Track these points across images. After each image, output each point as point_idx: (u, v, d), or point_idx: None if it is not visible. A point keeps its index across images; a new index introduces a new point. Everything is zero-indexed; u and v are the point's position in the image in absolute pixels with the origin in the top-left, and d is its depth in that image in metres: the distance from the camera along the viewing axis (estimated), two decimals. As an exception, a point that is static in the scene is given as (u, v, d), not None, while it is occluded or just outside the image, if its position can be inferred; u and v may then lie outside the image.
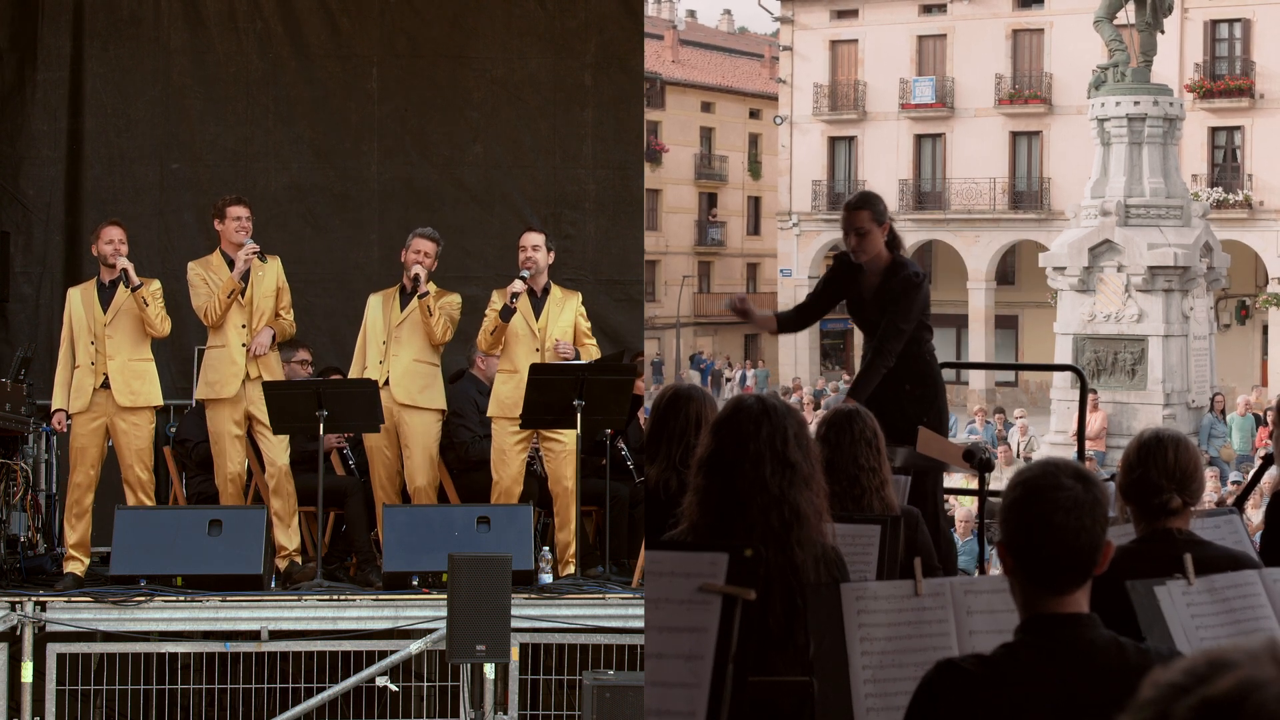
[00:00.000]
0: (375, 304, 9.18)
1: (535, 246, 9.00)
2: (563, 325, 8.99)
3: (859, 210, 6.89)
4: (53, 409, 8.91)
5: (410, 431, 8.95)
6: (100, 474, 8.84)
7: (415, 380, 8.98)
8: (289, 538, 8.87)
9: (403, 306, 9.07)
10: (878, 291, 6.88)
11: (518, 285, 8.83)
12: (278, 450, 8.86)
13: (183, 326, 9.92)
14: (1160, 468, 4.03)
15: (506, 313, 8.85)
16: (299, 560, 8.87)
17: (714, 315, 45.66)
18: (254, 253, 8.81)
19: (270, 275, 8.97)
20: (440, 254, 9.15)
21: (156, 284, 8.95)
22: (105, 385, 8.73)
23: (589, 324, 9.18)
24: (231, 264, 8.88)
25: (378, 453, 9.04)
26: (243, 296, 8.87)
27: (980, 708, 2.69)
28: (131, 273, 8.71)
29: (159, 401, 8.94)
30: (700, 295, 46.04)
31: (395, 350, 9.01)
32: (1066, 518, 2.74)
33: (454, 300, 9.13)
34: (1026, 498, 2.78)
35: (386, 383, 8.97)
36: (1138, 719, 1.44)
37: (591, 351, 9.07)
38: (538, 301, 9.01)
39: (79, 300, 8.87)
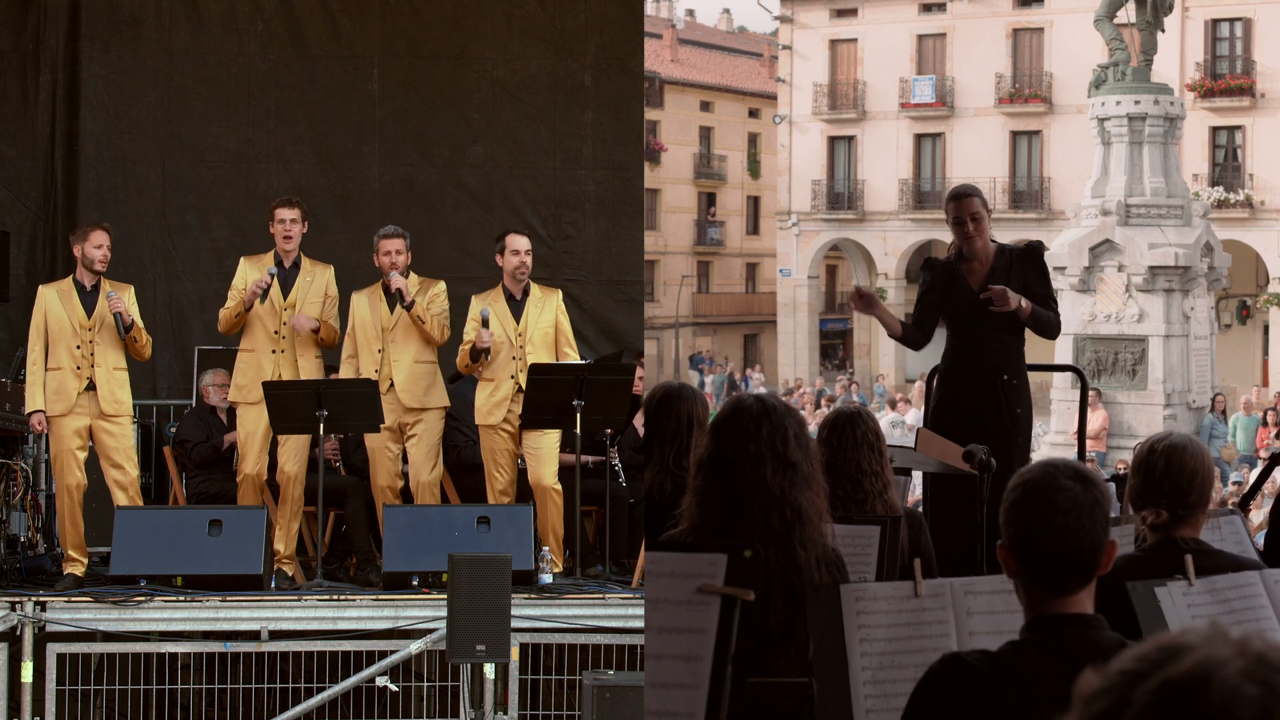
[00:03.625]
0: (362, 304, 9.08)
1: (527, 250, 8.98)
2: (544, 325, 8.95)
3: (969, 198, 6.90)
4: (29, 410, 8.73)
5: (418, 431, 8.95)
6: (93, 474, 8.82)
7: (419, 382, 8.97)
8: (284, 542, 8.87)
9: (391, 309, 9.03)
10: (993, 278, 6.78)
11: (484, 337, 8.74)
12: (291, 457, 8.86)
13: (184, 327, 9.93)
14: (1149, 481, 3.98)
15: (475, 353, 8.82)
16: (288, 570, 8.85)
17: (713, 315, 45.65)
18: (265, 285, 8.74)
19: (319, 282, 8.96)
20: (410, 245, 9.05)
21: (130, 290, 8.86)
22: (90, 388, 8.67)
23: (570, 327, 9.10)
24: (280, 263, 8.89)
25: (380, 454, 9.01)
26: (285, 299, 8.84)
27: (983, 703, 2.70)
28: (125, 315, 8.62)
29: (131, 410, 8.92)
30: (699, 295, 46.00)
31: (395, 355, 8.97)
32: (1066, 519, 2.74)
33: (440, 290, 9.01)
34: (1026, 499, 2.78)
35: (391, 387, 8.95)
36: (1093, 708, 1.43)
37: (570, 357, 9.02)
38: (517, 305, 8.97)
39: (57, 300, 8.74)
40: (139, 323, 8.77)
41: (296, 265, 8.97)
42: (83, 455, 8.71)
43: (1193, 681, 1.39)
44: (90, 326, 8.71)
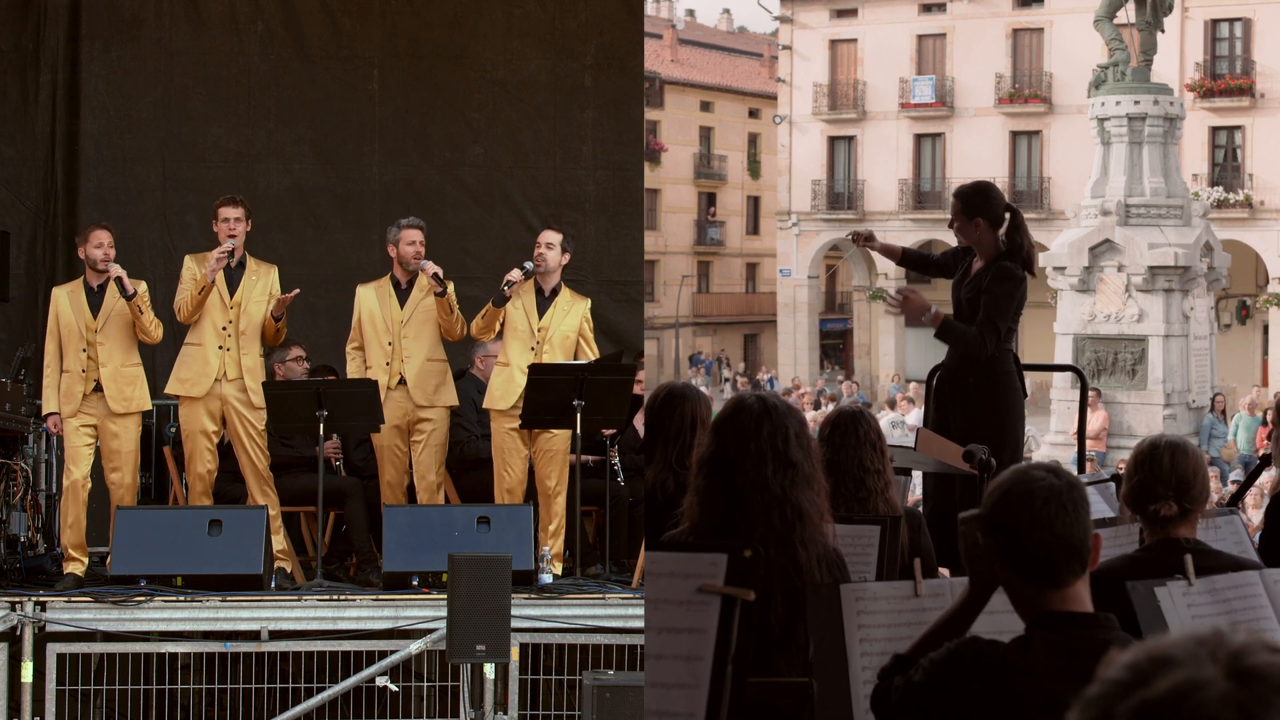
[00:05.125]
0: (369, 297, 9.11)
1: (549, 244, 8.98)
2: (565, 330, 8.95)
3: (954, 200, 6.97)
4: (44, 412, 8.85)
5: (426, 430, 8.97)
6: (95, 475, 8.82)
7: (431, 379, 9.00)
8: (276, 539, 8.86)
9: (401, 303, 9.05)
10: (975, 277, 6.82)
11: (515, 274, 8.83)
12: (256, 453, 8.84)
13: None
14: (1156, 475, 4.03)
15: (499, 298, 8.83)
16: (287, 567, 8.85)
17: (713, 315, 45.66)
18: (226, 253, 8.77)
19: (263, 282, 8.94)
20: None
21: (143, 285, 8.92)
22: (97, 389, 8.70)
23: (592, 332, 9.14)
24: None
25: (389, 452, 9.02)
26: (231, 297, 8.85)
27: (994, 691, 2.75)
28: (126, 282, 8.67)
29: (148, 405, 8.94)
30: (699, 295, 46.03)
31: (408, 351, 8.99)
32: (1048, 507, 2.80)
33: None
34: (1004, 499, 2.85)
35: (400, 383, 8.96)
36: (1084, 716, 1.43)
37: (588, 356, 9.04)
38: (544, 301, 8.98)
39: (67, 302, 8.80)
40: (142, 293, 8.76)
41: (242, 264, 8.96)
42: (89, 453, 8.74)
43: (1168, 705, 1.38)
44: (95, 328, 8.73)
